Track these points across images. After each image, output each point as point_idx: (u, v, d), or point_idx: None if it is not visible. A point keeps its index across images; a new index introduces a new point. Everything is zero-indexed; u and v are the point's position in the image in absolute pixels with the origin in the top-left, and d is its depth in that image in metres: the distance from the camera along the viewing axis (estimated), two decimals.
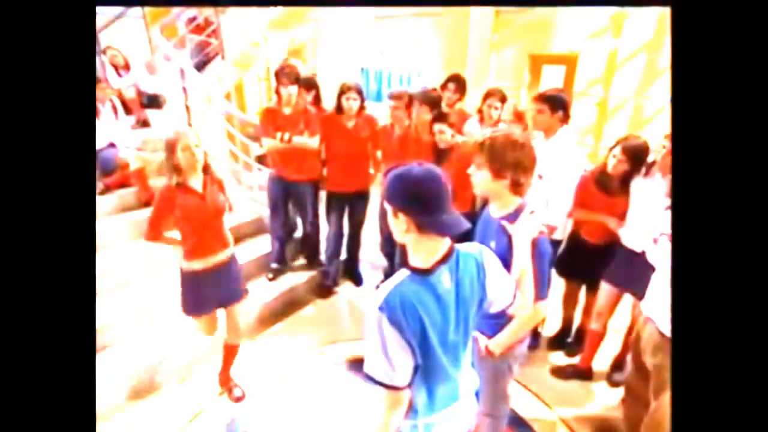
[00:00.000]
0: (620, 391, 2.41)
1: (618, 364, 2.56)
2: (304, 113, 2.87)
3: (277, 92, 2.84)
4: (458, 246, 1.14)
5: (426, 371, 1.08)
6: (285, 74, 2.73)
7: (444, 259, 1.07)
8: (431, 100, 2.62)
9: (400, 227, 1.05)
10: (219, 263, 2.11)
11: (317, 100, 3.26)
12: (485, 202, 1.58)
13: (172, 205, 1.95)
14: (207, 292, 2.10)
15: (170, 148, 1.93)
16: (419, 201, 1.01)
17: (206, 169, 2.03)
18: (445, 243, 1.09)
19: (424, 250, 1.06)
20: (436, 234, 1.05)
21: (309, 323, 3.10)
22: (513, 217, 1.39)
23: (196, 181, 2.00)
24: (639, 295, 2.28)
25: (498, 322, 1.46)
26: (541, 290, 1.37)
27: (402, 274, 1.06)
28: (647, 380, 1.72)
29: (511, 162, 1.34)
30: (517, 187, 1.39)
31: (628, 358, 2.46)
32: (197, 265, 2.04)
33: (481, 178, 1.41)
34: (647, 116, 5.17)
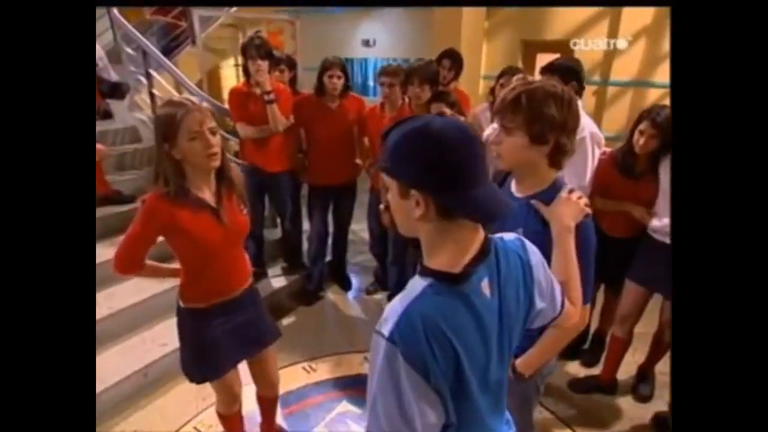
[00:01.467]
0: (649, 408, 2.13)
1: (644, 375, 2.24)
2: (276, 91, 2.49)
3: (245, 69, 2.47)
4: (494, 237, 0.80)
5: (459, 428, 0.73)
6: (254, 46, 2.36)
7: (479, 257, 0.73)
8: (431, 77, 2.27)
9: (413, 211, 0.70)
10: (237, 296, 1.49)
11: (293, 82, 2.90)
12: (502, 179, 1.24)
13: (165, 225, 1.29)
14: (224, 337, 1.45)
15: (168, 131, 1.23)
16: (444, 169, 0.67)
17: (222, 172, 1.37)
18: (478, 233, 0.75)
19: (449, 244, 0.72)
20: (469, 218, 0.71)
21: (291, 334, 2.72)
22: (547, 195, 1.07)
23: (205, 190, 1.35)
24: (668, 295, 1.98)
25: (527, 333, 1.12)
26: (587, 290, 1.05)
27: (419, 283, 0.71)
28: None
29: (558, 122, 1.00)
30: (558, 156, 1.06)
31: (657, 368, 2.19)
32: (205, 303, 1.43)
33: (513, 146, 1.05)
34: (648, 103, 4.91)
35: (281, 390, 2.24)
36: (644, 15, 4.81)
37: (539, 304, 0.85)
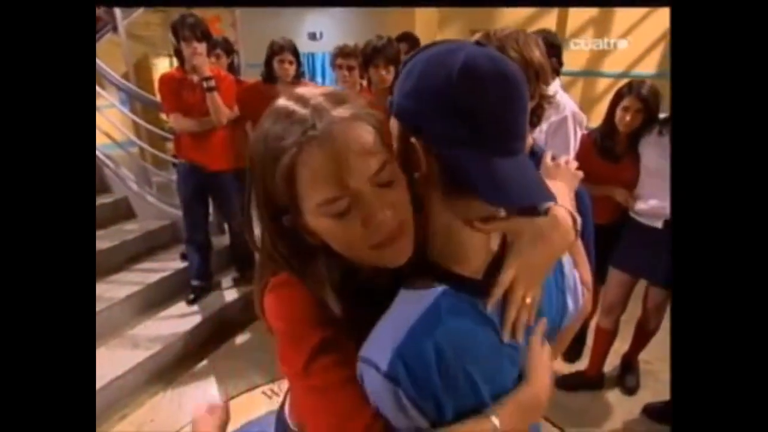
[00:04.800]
0: (637, 399, 2.05)
1: (628, 366, 2.16)
2: (217, 78, 2.17)
3: (178, 52, 2.12)
4: None
5: None
6: (188, 26, 2.02)
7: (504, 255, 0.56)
8: (396, 58, 2.05)
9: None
10: None
11: (232, 69, 2.58)
12: None
13: None
14: None
15: (273, 195, 0.51)
16: (461, 114, 0.45)
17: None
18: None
19: (465, 234, 0.53)
20: (483, 197, 0.47)
21: (247, 354, 2.40)
22: None
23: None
24: (656, 280, 1.89)
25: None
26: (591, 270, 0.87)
27: (425, 291, 0.51)
28: None
29: (545, 69, 0.85)
30: (539, 111, 0.91)
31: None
32: None
33: None
34: (598, 92, 5.02)
35: (240, 421, 1.94)
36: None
37: (570, 305, 0.68)
